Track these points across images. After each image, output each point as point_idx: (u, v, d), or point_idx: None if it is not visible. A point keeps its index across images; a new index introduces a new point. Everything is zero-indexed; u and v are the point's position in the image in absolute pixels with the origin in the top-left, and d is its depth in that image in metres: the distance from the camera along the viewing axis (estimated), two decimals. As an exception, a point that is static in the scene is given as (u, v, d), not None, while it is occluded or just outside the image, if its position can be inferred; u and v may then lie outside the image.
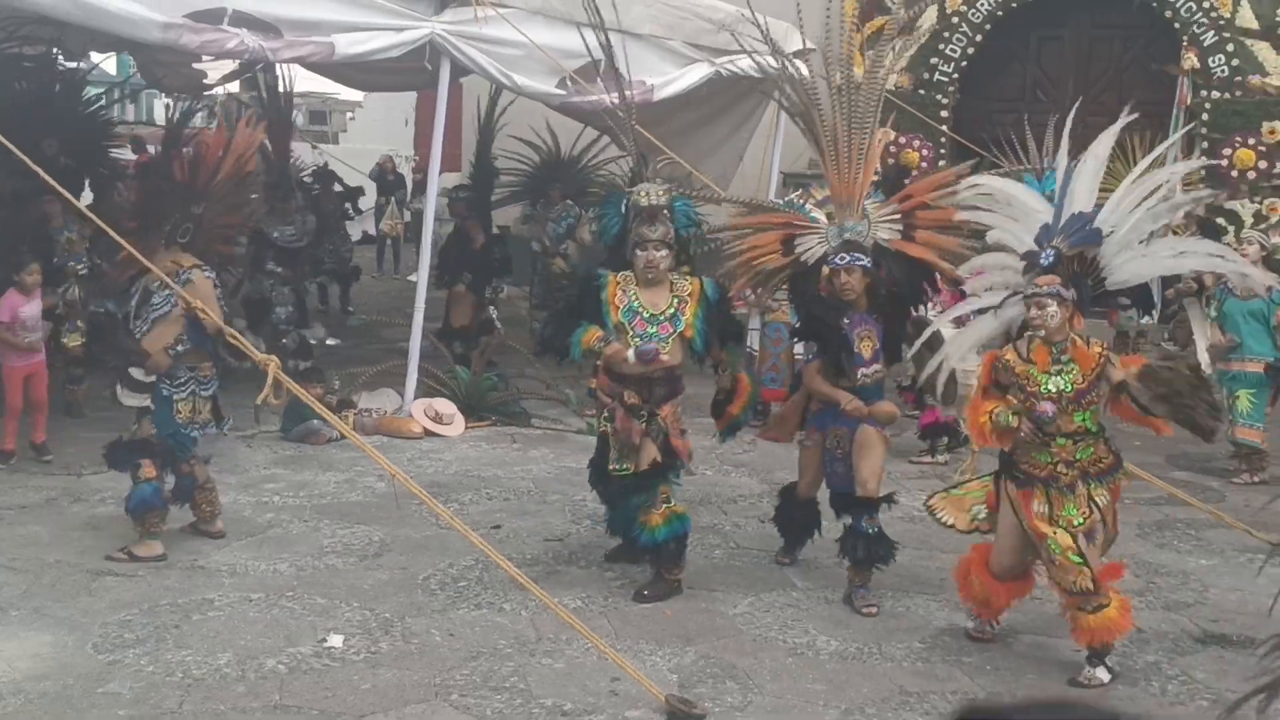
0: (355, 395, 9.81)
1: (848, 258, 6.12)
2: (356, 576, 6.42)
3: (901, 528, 7.54)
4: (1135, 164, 12.13)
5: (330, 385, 9.68)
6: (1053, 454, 5.48)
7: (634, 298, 6.24)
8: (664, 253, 6.22)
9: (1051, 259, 5.57)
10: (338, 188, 14.60)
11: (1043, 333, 5.43)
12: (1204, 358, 8.79)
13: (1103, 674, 5.42)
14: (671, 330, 6.21)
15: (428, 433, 9.33)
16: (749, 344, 10.05)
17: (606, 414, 6.32)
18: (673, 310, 6.22)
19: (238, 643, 5.55)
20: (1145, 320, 12.89)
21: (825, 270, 6.27)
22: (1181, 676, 5.50)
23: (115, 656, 5.36)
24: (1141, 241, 5.73)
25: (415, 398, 9.60)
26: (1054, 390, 5.44)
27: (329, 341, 12.78)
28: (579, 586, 6.37)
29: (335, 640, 5.61)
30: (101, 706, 4.90)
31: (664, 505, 6.18)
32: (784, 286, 6.79)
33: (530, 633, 5.76)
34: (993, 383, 5.60)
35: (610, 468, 6.28)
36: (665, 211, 6.23)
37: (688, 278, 6.36)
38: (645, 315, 6.20)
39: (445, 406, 9.56)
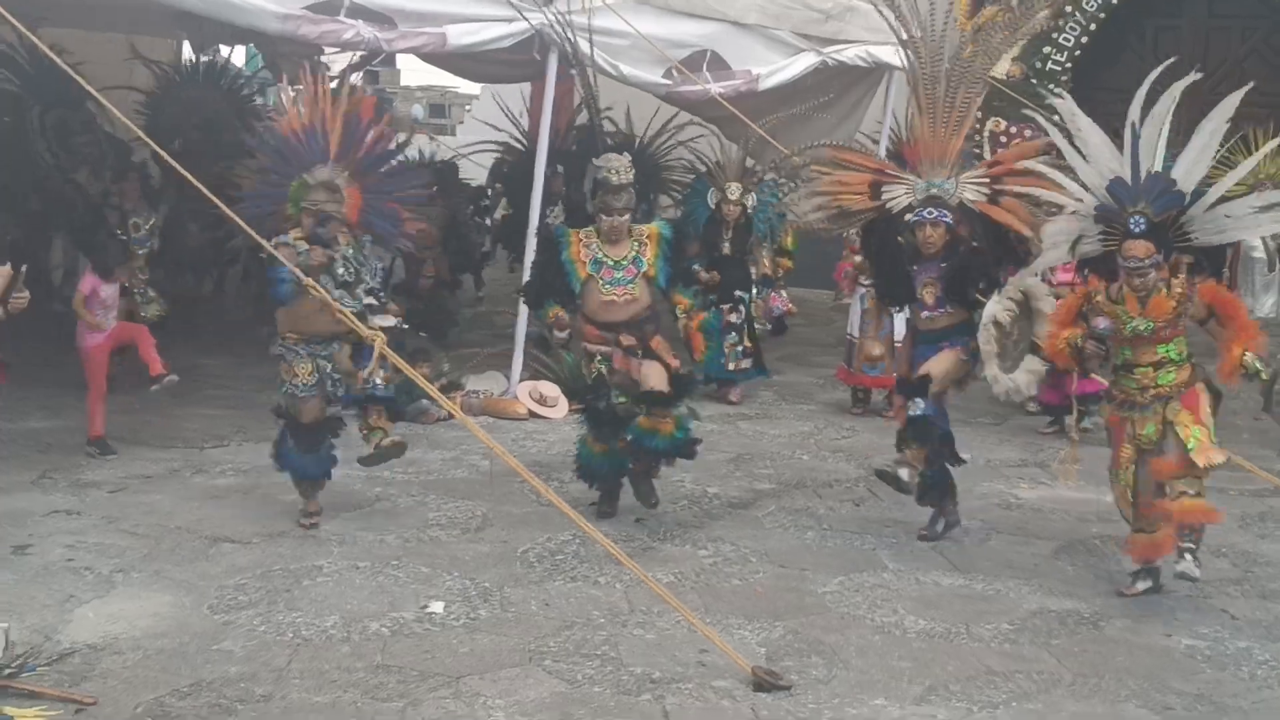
0: (463, 377, 10.06)
1: (935, 212, 6.42)
2: (459, 548, 6.64)
3: (998, 514, 7.59)
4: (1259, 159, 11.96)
5: (439, 366, 9.94)
6: (1136, 379, 6.00)
7: (598, 250, 6.91)
8: (626, 217, 6.89)
9: (1143, 227, 5.83)
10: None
11: (1142, 293, 5.87)
12: None
13: (1141, 583, 6.14)
14: (636, 272, 6.89)
15: (532, 414, 9.55)
16: (850, 330, 10.13)
17: (600, 359, 6.98)
18: (634, 253, 6.90)
19: (344, 607, 5.79)
20: (1268, 312, 12.69)
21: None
22: (1272, 661, 5.46)
23: (229, 617, 5.64)
24: (1222, 201, 5.98)
25: (520, 380, 9.83)
26: (1137, 329, 5.91)
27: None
28: (673, 563, 6.52)
29: (436, 606, 5.82)
30: (215, 662, 5.17)
31: (672, 414, 6.91)
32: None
33: (623, 605, 5.92)
34: (1079, 316, 6.09)
35: (618, 402, 6.96)
36: (630, 188, 6.86)
37: (644, 225, 7.05)
38: (610, 263, 6.89)
39: (550, 389, 9.76)
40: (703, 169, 11.11)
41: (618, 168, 6.81)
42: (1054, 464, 7.66)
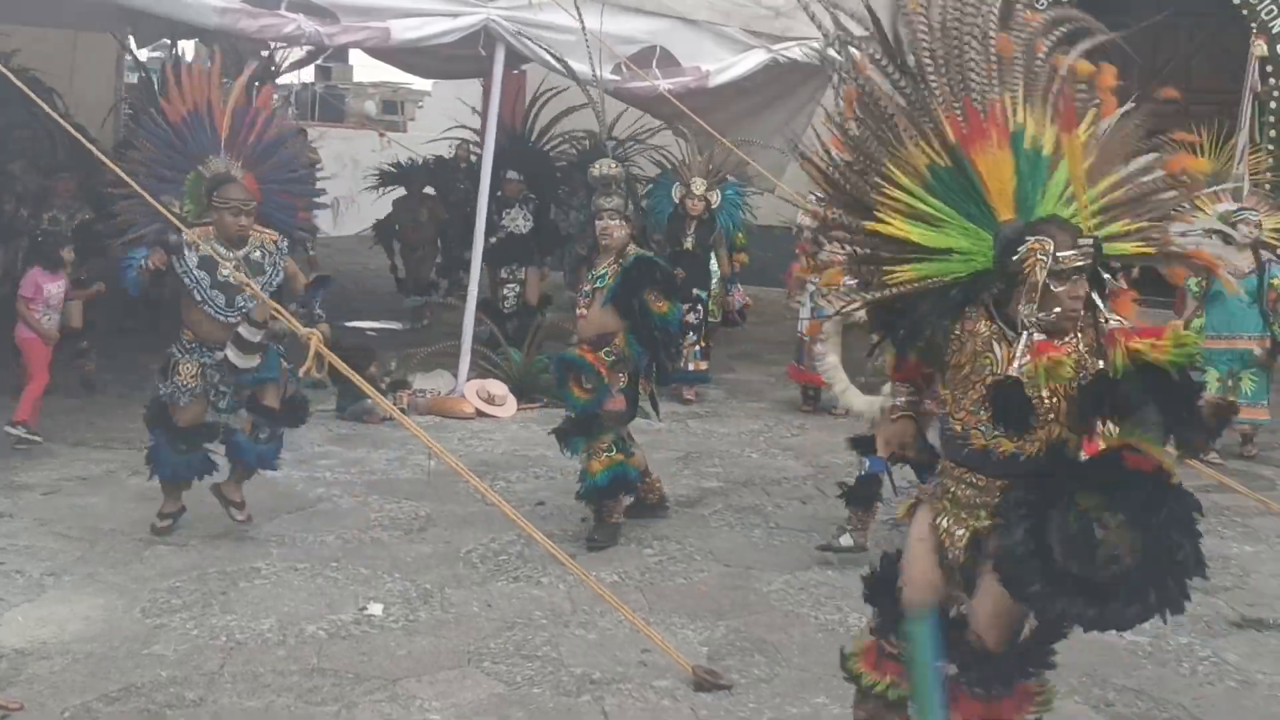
0: (410, 376, 9.96)
1: None
2: (400, 549, 6.55)
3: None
4: (1206, 156, 12.01)
5: (386, 365, 9.84)
6: None
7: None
8: (617, 221, 6.58)
9: None
10: None
11: None
12: None
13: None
14: (594, 288, 6.65)
15: (480, 413, 9.46)
16: (800, 329, 10.08)
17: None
18: (605, 272, 6.62)
19: (281, 609, 5.70)
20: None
21: None
22: (1213, 658, 5.48)
23: (162, 620, 5.53)
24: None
25: (468, 379, 9.74)
26: None
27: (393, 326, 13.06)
28: (617, 562, 6.46)
29: (375, 608, 5.74)
30: (145, 667, 5.07)
31: (605, 455, 6.60)
32: None
33: (566, 605, 5.86)
34: None
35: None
36: (618, 184, 6.61)
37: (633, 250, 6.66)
38: (590, 276, 6.73)
39: (497, 388, 9.69)
40: (669, 165, 11.08)
41: (601, 163, 6.68)
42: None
